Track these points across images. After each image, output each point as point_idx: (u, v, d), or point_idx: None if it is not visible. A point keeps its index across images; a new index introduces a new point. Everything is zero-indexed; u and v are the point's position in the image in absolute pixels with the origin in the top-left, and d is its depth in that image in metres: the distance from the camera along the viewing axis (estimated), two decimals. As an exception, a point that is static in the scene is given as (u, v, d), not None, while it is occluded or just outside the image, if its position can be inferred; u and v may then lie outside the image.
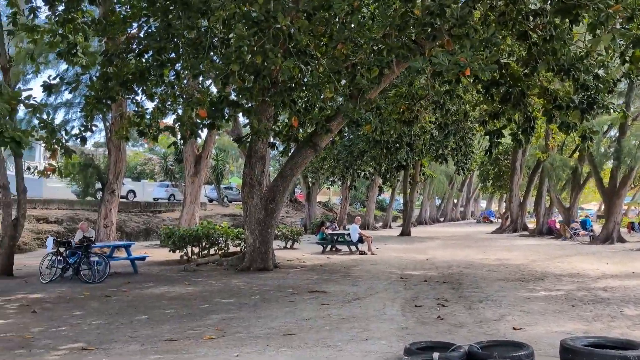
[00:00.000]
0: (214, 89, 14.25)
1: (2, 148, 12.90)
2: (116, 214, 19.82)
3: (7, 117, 9.06)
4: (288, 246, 21.04)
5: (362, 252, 18.57)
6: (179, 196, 35.19)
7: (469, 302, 9.19)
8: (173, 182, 38.20)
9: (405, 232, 30.74)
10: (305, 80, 11.83)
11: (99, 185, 24.93)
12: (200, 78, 12.83)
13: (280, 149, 16.20)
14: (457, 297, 9.80)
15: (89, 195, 26.34)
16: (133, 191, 35.51)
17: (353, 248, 19.06)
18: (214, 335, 6.77)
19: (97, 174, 22.10)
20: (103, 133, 25.97)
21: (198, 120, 12.20)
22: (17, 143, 8.54)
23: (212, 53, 10.69)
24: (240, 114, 14.19)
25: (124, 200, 28.35)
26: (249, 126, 12.60)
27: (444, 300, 9.34)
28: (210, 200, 38.09)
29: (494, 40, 8.39)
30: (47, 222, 22.09)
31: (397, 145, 25.12)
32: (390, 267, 14.68)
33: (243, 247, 16.83)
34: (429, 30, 8.83)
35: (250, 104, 12.16)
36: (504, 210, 46.67)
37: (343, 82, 12.15)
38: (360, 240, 18.89)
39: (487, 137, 14.18)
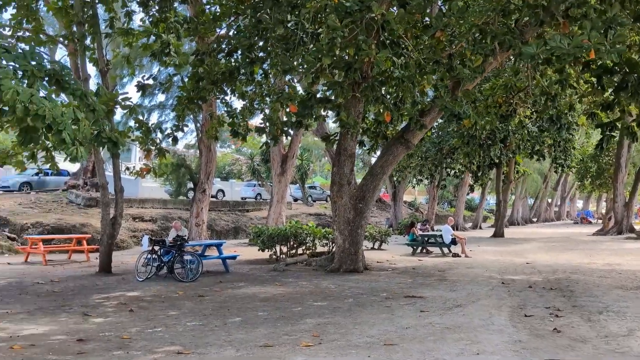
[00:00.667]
0: (300, 89, 14.06)
1: (101, 149, 13.36)
2: (207, 212, 20.20)
3: (105, 118, 9.24)
4: (375, 247, 20.50)
5: (456, 255, 17.68)
6: (265, 195, 35.66)
7: (586, 313, 8.24)
8: (259, 182, 38.75)
9: (498, 234, 29.23)
10: (397, 73, 11.28)
11: (190, 185, 25.60)
12: (288, 77, 12.63)
13: (368, 146, 15.72)
14: (571, 306, 8.85)
15: (181, 195, 27.15)
16: (222, 190, 36.37)
17: (445, 250, 18.20)
18: (311, 343, 6.39)
19: (189, 174, 22.66)
20: (194, 134, 26.79)
21: (286, 119, 12.01)
22: (114, 143, 8.64)
23: (302, 48, 10.40)
24: (328, 111, 13.84)
25: (214, 199, 28.97)
26: (338, 122, 12.21)
27: (556, 310, 8.45)
28: (295, 200, 38.28)
29: (619, 20, 7.42)
30: (143, 220, 22.95)
31: (490, 141, 23.88)
32: (489, 271, 13.76)
33: (331, 248, 16.53)
34: (540, 13, 8.00)
35: (339, 100, 11.79)
36: (604, 211, 43.43)
37: (434, 76, 11.49)
38: (454, 241, 18.00)
39: (592, 131, 12.97)
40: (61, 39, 13.74)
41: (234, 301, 9.26)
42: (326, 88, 11.63)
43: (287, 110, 10.41)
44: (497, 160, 29.38)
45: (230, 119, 12.43)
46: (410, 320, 7.72)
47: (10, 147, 12.19)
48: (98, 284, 11.22)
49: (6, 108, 6.84)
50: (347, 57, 9.66)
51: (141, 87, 11.18)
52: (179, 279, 11.55)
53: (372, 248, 20.14)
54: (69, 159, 8.29)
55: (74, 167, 31.53)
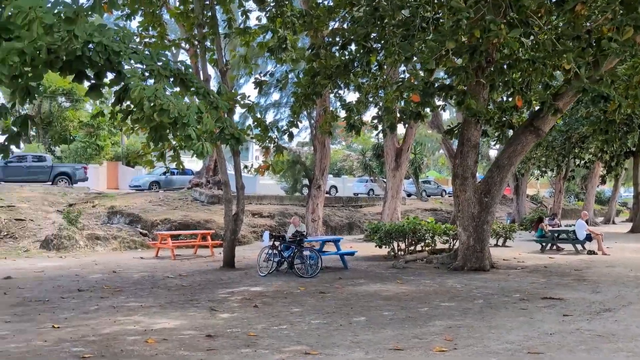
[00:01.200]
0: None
1: (223, 147, 13.72)
2: (322, 208, 20.22)
3: (226, 115, 9.35)
4: (499, 244, 19.31)
5: (591, 252, 16.10)
6: (377, 191, 35.26)
7: None
8: (372, 177, 38.43)
9: (637, 229, 26.44)
10: (526, 55, 10.34)
11: (305, 181, 25.89)
12: (407, 66, 12.12)
13: (491, 136, 14.74)
14: None
15: (297, 191, 27.55)
16: (335, 187, 36.52)
17: (579, 247, 16.65)
18: (444, 347, 5.90)
19: (304, 171, 22.88)
20: (307, 131, 27.05)
21: (402, 111, 11.52)
22: (237, 139, 8.69)
23: (422, 34, 9.85)
24: (449, 100, 13.12)
25: (327, 195, 29.10)
26: (462, 111, 11.48)
27: None
28: (409, 195, 37.45)
29: None
30: (261, 216, 23.53)
31: (627, 127, 21.58)
32: (634, 271, 12.30)
33: (452, 244, 15.76)
34: None
35: (463, 86, 11.08)
36: None
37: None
38: (588, 238, 16.40)
39: None
40: (183, 42, 14.32)
41: (356, 299, 8.97)
42: (447, 75, 10.98)
43: (409, 99, 9.92)
44: (634, 149, 26.61)
45: (346, 113, 12.17)
46: (553, 326, 6.94)
47: (140, 147, 12.89)
48: (223, 278, 11.49)
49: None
50: (472, 40, 8.97)
51: (258, 84, 11.28)
52: (299, 275, 11.51)
53: (496, 245, 18.97)
54: (195, 154, 8.48)
55: (197, 166, 33.28)
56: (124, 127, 11.90)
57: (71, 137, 36.97)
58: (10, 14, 5.65)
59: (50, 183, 25.56)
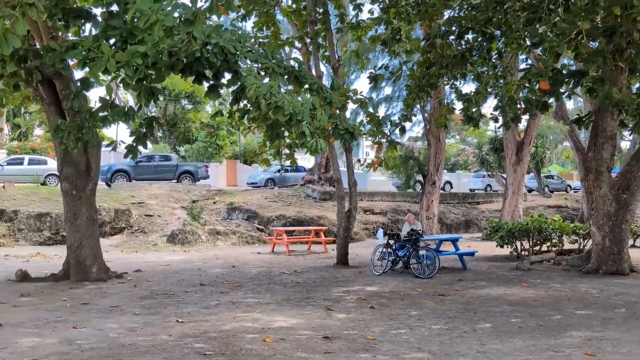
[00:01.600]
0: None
1: (335, 143, 13.63)
2: (437, 205, 19.54)
3: (338, 112, 9.19)
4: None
5: None
6: (495, 186, 33.56)
7: None
8: (489, 172, 36.69)
9: None
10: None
11: (418, 177, 25.23)
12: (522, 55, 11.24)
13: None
14: None
15: (409, 188, 26.95)
16: (449, 182, 35.32)
17: None
18: (586, 363, 5.26)
19: (417, 166, 22.26)
20: (421, 125, 26.32)
21: (526, 101, 10.64)
22: (351, 134, 8.49)
23: (549, 17, 8.99)
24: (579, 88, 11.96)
25: (442, 191, 28.16)
26: (597, 100, 10.39)
27: None
28: (530, 191, 35.23)
29: None
30: (373, 213, 23.29)
31: None
32: None
33: (582, 245, 14.47)
34: None
35: (595, 73, 10.02)
36: None
37: None
38: None
39: None
40: (295, 41, 14.42)
41: (479, 303, 8.41)
42: (579, 61, 9.98)
43: (536, 87, 9.13)
44: None
45: (465, 104, 11.53)
46: None
47: (257, 146, 13.15)
48: (337, 276, 11.39)
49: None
50: (609, 20, 8.03)
51: (373, 78, 11.02)
52: (416, 275, 11.10)
53: (633, 245, 17.17)
54: (308, 152, 8.40)
55: (309, 164, 33.80)
56: (241, 126, 12.20)
57: (193, 138, 39.19)
58: (133, 18, 5.88)
59: (175, 181, 27.20)
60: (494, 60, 12.28)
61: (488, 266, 13.13)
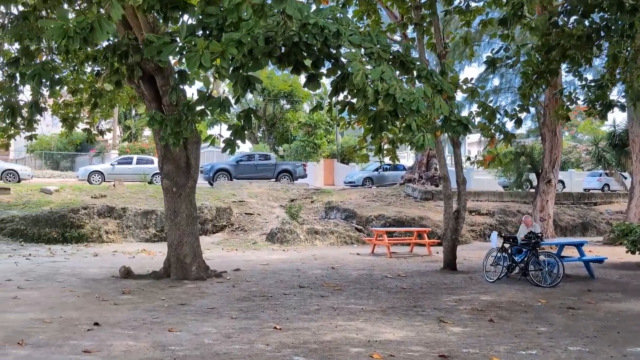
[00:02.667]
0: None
1: (441, 138, 12.64)
2: (552, 206, 17.84)
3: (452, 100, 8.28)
4: None
5: None
6: (614, 186, 30.54)
7: None
8: (606, 171, 33.52)
9: None
10: None
11: (529, 175, 23.39)
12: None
13: None
14: None
15: (519, 187, 25.06)
16: (562, 181, 32.65)
17: None
18: None
19: (529, 163, 20.53)
20: (530, 119, 24.38)
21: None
22: (464, 126, 7.56)
23: None
24: None
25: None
26: None
27: None
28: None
29: None
30: (479, 214, 21.84)
31: None
32: None
33: None
34: None
35: None
36: None
37: None
38: None
39: None
40: (397, 29, 13.58)
41: (620, 320, 7.16)
42: None
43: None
44: None
45: (598, 90, 10.12)
46: None
47: (357, 142, 12.45)
48: (445, 282, 10.43)
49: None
50: None
51: (491, 62, 9.96)
52: (535, 283, 9.88)
53: None
54: (414, 147, 7.60)
55: (408, 162, 32.70)
56: (340, 121, 11.59)
57: (292, 137, 39.42)
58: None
59: (274, 180, 27.29)
60: (623, 40, 10.73)
61: (619, 275, 11.54)
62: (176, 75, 7.77)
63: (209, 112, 7.48)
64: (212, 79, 7.76)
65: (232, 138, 7.53)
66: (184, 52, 5.92)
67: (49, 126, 23.25)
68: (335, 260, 13.81)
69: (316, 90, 8.09)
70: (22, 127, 12.22)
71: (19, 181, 23.04)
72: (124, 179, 22.54)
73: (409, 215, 20.31)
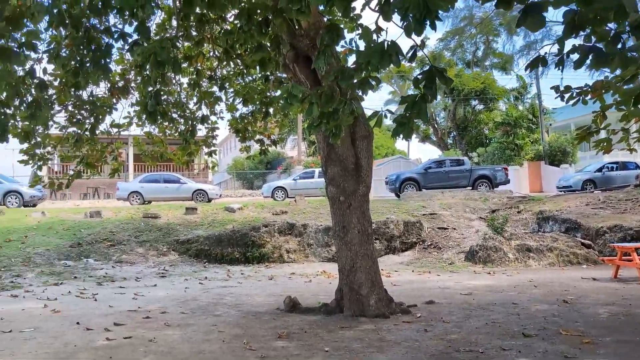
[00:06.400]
0: None
1: None
2: None
3: None
4: None
5: None
6: None
7: None
8: None
9: None
10: None
11: None
12: None
13: None
14: None
15: None
16: None
17: None
18: None
19: None
20: None
21: None
22: None
23: None
24: None
25: None
26: None
27: None
28: None
29: None
30: None
31: None
32: None
33: None
34: None
35: None
36: None
37: None
38: None
39: None
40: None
41: None
42: None
43: None
44: None
45: None
46: None
47: (594, 118, 8.80)
48: None
49: None
50: None
51: None
52: None
53: None
54: None
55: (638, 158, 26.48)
56: (566, 92, 8.16)
57: (487, 140, 35.28)
58: None
59: (470, 188, 23.87)
60: None
61: None
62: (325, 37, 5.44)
63: (370, 80, 4.97)
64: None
65: (408, 114, 4.89)
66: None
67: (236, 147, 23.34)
68: (565, 289, 10.21)
69: (539, 29, 5.05)
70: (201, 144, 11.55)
71: (208, 201, 23.26)
72: (306, 194, 21.35)
73: (655, 225, 15.40)
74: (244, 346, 6.23)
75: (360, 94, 5.39)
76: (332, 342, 6.37)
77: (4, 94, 7.25)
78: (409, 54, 4.52)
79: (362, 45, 4.90)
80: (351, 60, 7.50)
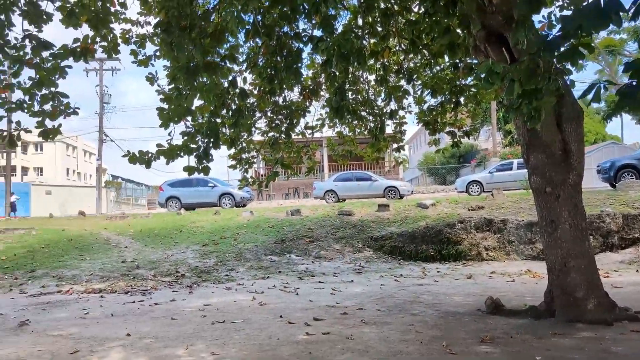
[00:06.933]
0: None
1: None
2: None
3: None
4: None
5: None
6: None
7: None
8: None
9: None
10: None
11: None
12: None
13: None
14: None
15: None
16: None
17: None
18: None
19: None
20: None
21: None
22: None
23: None
24: None
25: None
26: None
27: None
28: None
29: None
30: None
31: None
32: None
33: None
34: None
35: None
36: None
37: None
38: None
39: None
40: None
41: None
42: None
43: None
44: None
45: None
46: None
47: None
48: None
49: None
50: None
51: None
52: None
53: None
54: None
55: None
56: None
57: None
58: None
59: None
60: None
61: None
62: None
63: (581, 49, 4.25)
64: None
65: (635, 83, 4.06)
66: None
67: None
68: None
69: None
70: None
71: (400, 197, 23.17)
72: (504, 187, 19.97)
73: None
74: (444, 349, 5.88)
75: (568, 66, 4.67)
76: (544, 350, 5.68)
77: (213, 104, 7.95)
78: (632, 10, 3.75)
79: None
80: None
